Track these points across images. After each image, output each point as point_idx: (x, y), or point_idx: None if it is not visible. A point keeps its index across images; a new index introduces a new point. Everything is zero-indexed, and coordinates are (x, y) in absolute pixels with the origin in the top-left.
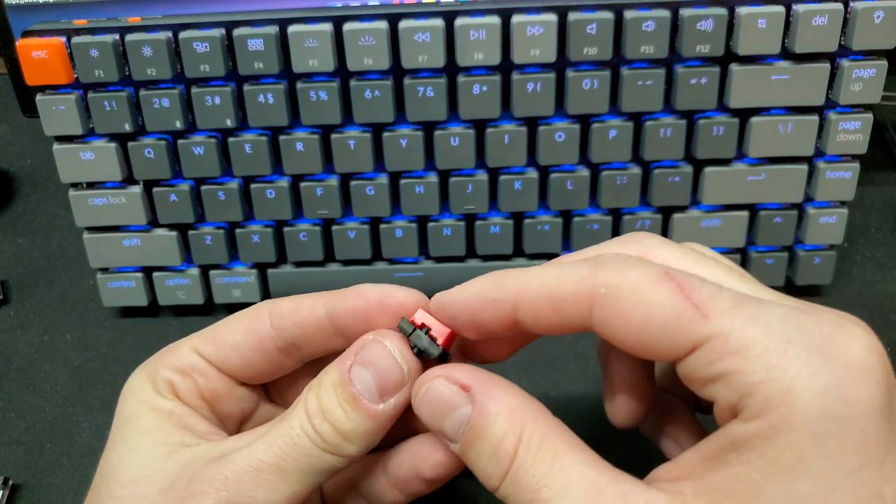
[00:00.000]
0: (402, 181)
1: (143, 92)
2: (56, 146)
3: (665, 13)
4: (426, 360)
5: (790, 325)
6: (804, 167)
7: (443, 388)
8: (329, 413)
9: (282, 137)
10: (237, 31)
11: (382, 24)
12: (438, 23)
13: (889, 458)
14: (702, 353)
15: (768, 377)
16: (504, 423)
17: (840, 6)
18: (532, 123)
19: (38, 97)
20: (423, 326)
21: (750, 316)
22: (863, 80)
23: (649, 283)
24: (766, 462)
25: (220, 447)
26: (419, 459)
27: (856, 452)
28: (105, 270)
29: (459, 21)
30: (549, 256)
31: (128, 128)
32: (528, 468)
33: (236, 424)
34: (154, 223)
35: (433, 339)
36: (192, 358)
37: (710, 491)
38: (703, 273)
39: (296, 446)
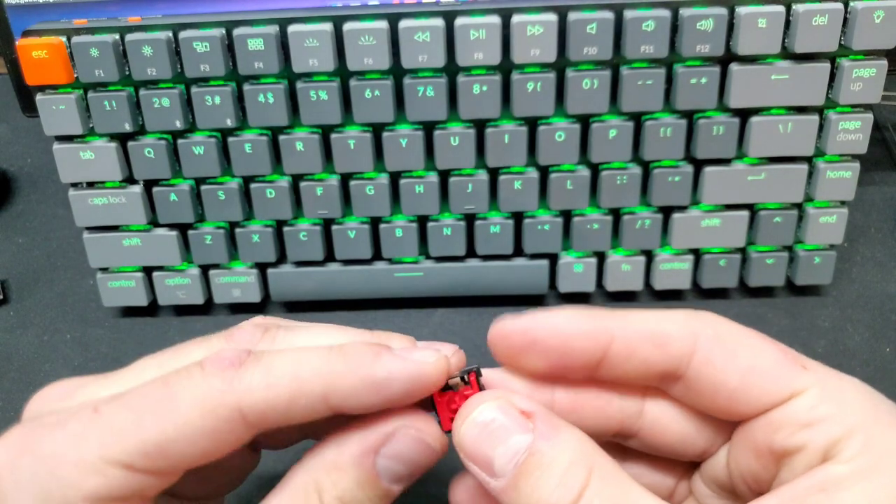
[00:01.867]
0: (402, 181)
1: (143, 92)
2: (56, 146)
3: (665, 13)
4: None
5: (866, 387)
6: (804, 167)
7: (498, 412)
8: None
9: (282, 137)
10: (237, 31)
11: (382, 24)
12: (438, 23)
13: None
14: (801, 399)
15: (865, 419)
16: (574, 452)
17: (840, 6)
18: (532, 123)
19: (38, 97)
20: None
21: (837, 374)
22: (863, 80)
23: (749, 332)
24: (862, 500)
25: None
26: None
27: None
28: (105, 270)
29: (459, 21)
30: (550, 256)
31: (128, 127)
32: (602, 494)
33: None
34: (154, 223)
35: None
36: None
37: None
38: None
39: None
